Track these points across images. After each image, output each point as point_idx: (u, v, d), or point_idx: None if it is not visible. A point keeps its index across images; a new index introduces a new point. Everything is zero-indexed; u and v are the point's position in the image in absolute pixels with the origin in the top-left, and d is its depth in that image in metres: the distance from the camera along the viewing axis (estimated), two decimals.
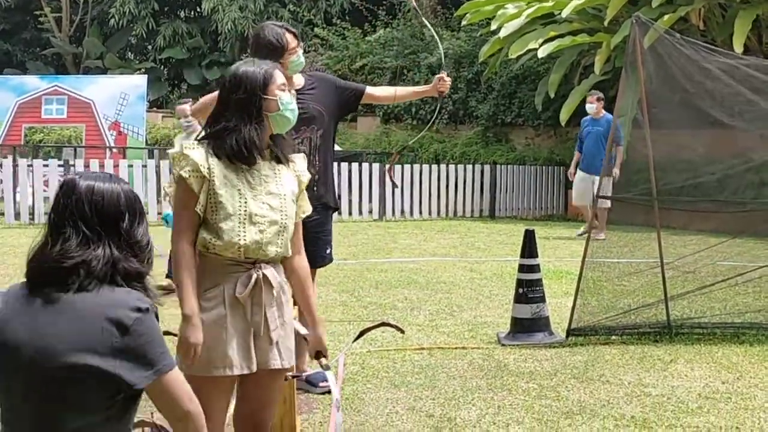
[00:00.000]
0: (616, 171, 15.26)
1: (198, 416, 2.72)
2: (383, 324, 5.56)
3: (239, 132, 4.02)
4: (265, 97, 4.05)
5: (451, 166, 21.73)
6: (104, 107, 23.63)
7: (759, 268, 9.87)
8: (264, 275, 4.03)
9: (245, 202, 4.01)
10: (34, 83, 24.35)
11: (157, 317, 2.75)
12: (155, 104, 32.02)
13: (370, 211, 20.30)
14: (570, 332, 8.59)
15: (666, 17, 16.93)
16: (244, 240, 3.99)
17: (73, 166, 18.47)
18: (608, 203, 15.04)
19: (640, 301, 9.18)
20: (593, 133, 16.90)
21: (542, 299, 8.63)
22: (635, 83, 9.52)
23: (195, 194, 3.99)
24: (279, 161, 4.19)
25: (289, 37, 6.21)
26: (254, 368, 4.06)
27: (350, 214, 20.03)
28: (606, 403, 6.74)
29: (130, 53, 37.50)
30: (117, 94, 23.78)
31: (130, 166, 18.93)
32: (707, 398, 6.88)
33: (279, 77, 4.12)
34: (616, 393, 6.99)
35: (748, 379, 7.39)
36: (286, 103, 4.11)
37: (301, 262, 4.35)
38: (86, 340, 2.60)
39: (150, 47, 35.87)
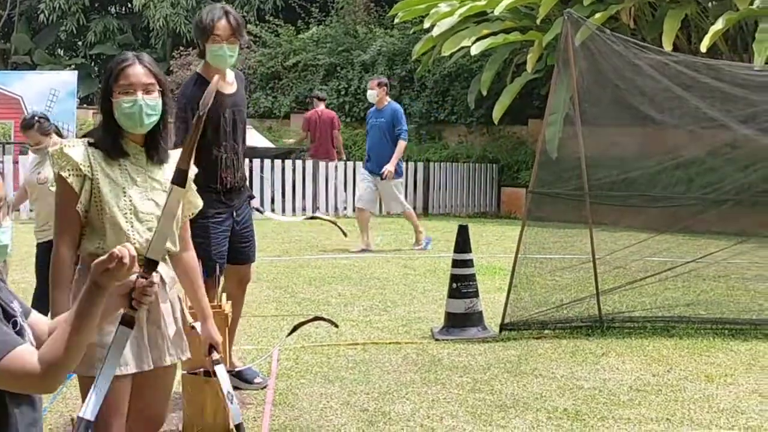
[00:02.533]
0: (389, 168, 14.10)
1: (44, 378, 2.57)
2: (317, 318, 5.55)
3: (101, 133, 4.01)
4: (111, 99, 3.95)
5: None
6: (33, 103, 23.18)
7: (687, 263, 10.01)
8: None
9: (130, 200, 3.95)
10: None
11: None
12: (85, 101, 31.59)
13: (304, 209, 20.22)
14: (503, 327, 8.64)
15: (597, 15, 17.11)
16: (135, 239, 3.92)
17: (1, 162, 18.17)
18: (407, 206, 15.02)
19: (573, 296, 9.26)
20: (376, 126, 14.61)
21: (476, 294, 8.67)
22: (567, 80, 9.59)
23: (76, 194, 3.92)
24: (155, 157, 4.08)
25: (221, 24, 6.08)
26: (146, 367, 3.99)
27: (283, 211, 19.92)
28: (539, 396, 6.78)
29: (59, 49, 36.96)
30: (47, 91, 23.39)
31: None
32: (638, 390, 6.95)
33: (124, 77, 3.93)
34: (549, 386, 7.03)
35: (678, 372, 7.49)
36: (123, 106, 3.92)
37: (190, 257, 4.32)
38: None
39: (80, 43, 35.41)
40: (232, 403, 4.12)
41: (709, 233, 10.99)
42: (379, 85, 14.43)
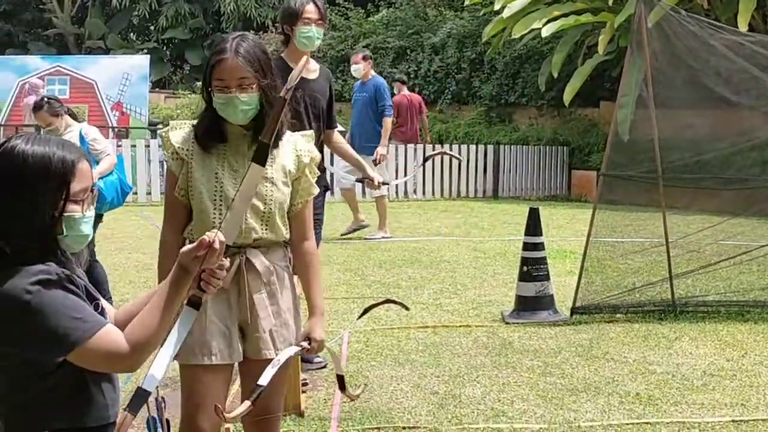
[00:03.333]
0: (380, 152, 13.05)
1: (131, 357, 2.60)
2: (388, 301, 5.50)
3: (202, 117, 3.95)
4: (209, 88, 3.86)
5: (455, 146, 21.63)
6: (107, 87, 23.54)
7: (763, 247, 9.84)
8: (248, 260, 3.89)
9: (221, 186, 3.85)
10: (35, 64, 24.24)
11: (67, 286, 2.56)
12: (158, 84, 31.95)
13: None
14: (574, 310, 8.59)
15: None
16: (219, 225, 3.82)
17: None
18: (384, 191, 13.83)
19: (645, 280, 9.17)
20: (359, 100, 14.04)
21: (546, 277, 8.62)
22: (640, 61, 9.47)
23: (175, 177, 3.91)
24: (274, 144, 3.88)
25: (310, 7, 6.21)
26: (236, 359, 3.92)
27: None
28: (611, 380, 6.74)
29: (132, 34, 37.38)
30: (119, 75, 23.67)
31: (133, 146, 18.91)
32: (712, 375, 6.87)
33: (218, 73, 3.82)
34: (621, 370, 6.98)
35: (753, 357, 7.38)
36: (217, 102, 3.84)
37: (306, 247, 4.12)
38: None
39: (152, 28, 35.77)
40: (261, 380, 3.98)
41: None
42: (364, 58, 13.89)
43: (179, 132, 3.95)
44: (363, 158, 7.68)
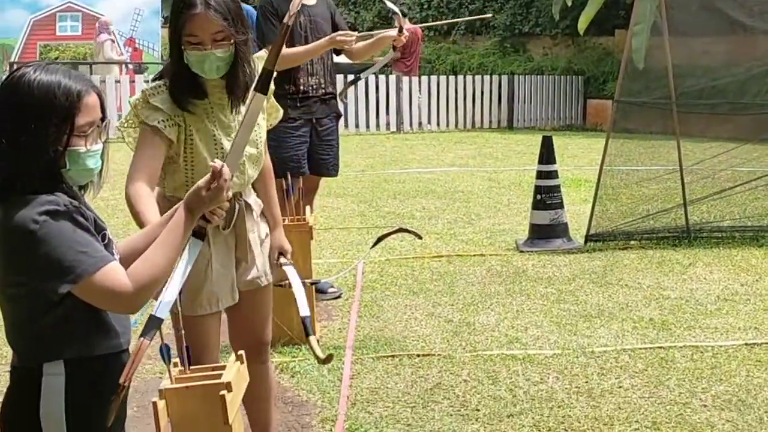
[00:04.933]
0: None
1: (135, 296, 2.60)
2: (401, 230, 5.53)
3: (175, 76, 3.72)
4: (183, 49, 3.64)
5: (469, 77, 21.51)
6: (118, 23, 23.44)
7: None
8: (246, 203, 3.93)
9: (221, 147, 3.75)
10: (46, 0, 24.17)
11: (75, 218, 2.53)
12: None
13: (388, 124, 20.18)
14: (588, 238, 8.59)
15: None
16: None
17: None
18: None
19: (659, 207, 9.15)
20: None
21: (560, 206, 8.62)
22: None
23: (168, 140, 3.70)
24: (235, 96, 3.77)
25: None
26: (236, 298, 3.95)
27: (368, 127, 19.91)
28: (624, 306, 6.76)
29: None
30: (131, 10, 23.57)
31: (146, 81, 18.88)
32: (726, 300, 6.88)
33: (191, 28, 3.59)
34: (635, 296, 7.00)
35: (767, 281, 7.39)
36: (191, 60, 3.63)
37: (265, 163, 4.10)
38: (3, 255, 2.54)
39: None
40: (302, 313, 4.08)
41: None
42: None
43: (160, 96, 3.71)
44: None
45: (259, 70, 3.57)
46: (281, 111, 4.23)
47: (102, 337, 2.67)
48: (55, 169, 2.55)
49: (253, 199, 4.00)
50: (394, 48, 6.53)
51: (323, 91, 6.70)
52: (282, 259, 4.21)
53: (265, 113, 4.06)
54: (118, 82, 18.75)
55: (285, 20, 2.96)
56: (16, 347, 2.67)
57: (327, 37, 6.30)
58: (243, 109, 3.79)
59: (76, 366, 2.59)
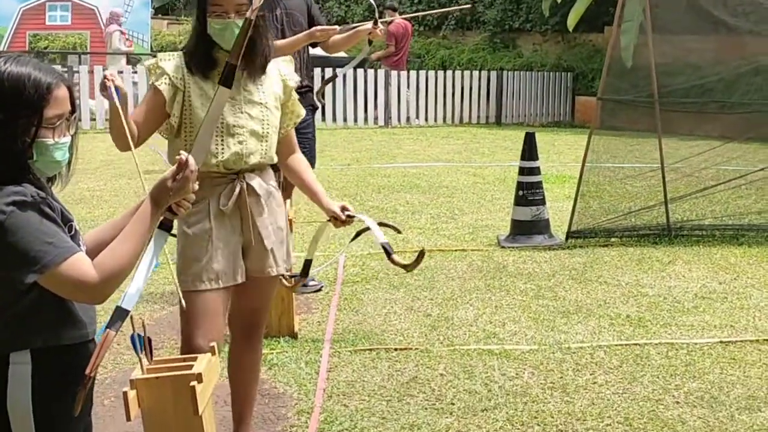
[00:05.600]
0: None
1: (100, 287, 2.63)
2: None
3: (194, 44, 4.00)
4: (207, 18, 3.93)
5: (458, 73, 21.54)
6: (109, 13, 23.44)
7: (760, 171, 9.85)
8: (249, 185, 4.00)
9: (222, 114, 3.91)
10: None
11: (42, 209, 2.55)
12: (160, 11, 31.63)
13: (376, 118, 20.20)
14: (570, 234, 8.64)
15: None
16: (223, 154, 3.93)
17: (77, 72, 18.43)
18: None
19: (641, 204, 9.20)
20: None
21: (542, 202, 8.66)
22: None
23: (164, 99, 3.94)
24: (256, 70, 4.03)
25: None
26: (240, 279, 4.05)
27: (355, 121, 19.93)
28: (603, 303, 6.80)
29: None
30: (121, 1, 23.57)
31: (135, 72, 18.86)
32: (703, 298, 6.93)
33: None
34: (613, 293, 7.05)
35: (745, 279, 7.45)
36: (215, 28, 3.92)
37: (298, 156, 4.33)
38: None
39: None
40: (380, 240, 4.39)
41: None
42: None
43: (170, 62, 3.99)
44: None
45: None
46: (302, 113, 4.33)
47: (69, 326, 2.68)
48: (22, 160, 2.57)
49: (258, 182, 4.04)
50: (370, 42, 6.51)
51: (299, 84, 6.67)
52: (350, 212, 4.36)
53: (278, 102, 4.14)
54: (121, 72, 18.73)
55: (248, 14, 3.01)
56: None
57: (306, 32, 6.28)
58: (252, 86, 4.01)
59: (43, 355, 2.61)
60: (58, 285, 2.55)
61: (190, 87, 3.95)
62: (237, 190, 3.96)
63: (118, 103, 3.54)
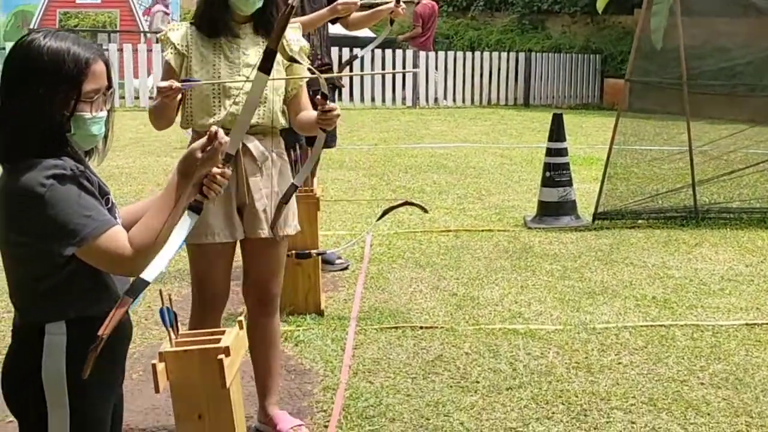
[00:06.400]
0: None
1: (134, 259, 2.66)
2: (407, 203, 5.57)
3: (207, 5, 4.15)
4: None
5: (486, 54, 21.48)
6: None
7: None
8: (245, 146, 4.11)
9: (219, 76, 4.12)
10: None
11: (81, 182, 2.61)
12: None
13: (404, 99, 20.18)
14: (596, 216, 8.63)
15: None
16: (219, 114, 4.10)
17: (107, 50, 18.51)
18: None
19: (669, 187, 9.18)
20: None
21: (569, 183, 8.65)
22: None
23: (175, 71, 4.14)
24: (263, 34, 4.19)
25: None
26: (238, 236, 4.21)
27: (383, 101, 19.92)
28: (628, 284, 6.81)
29: None
30: None
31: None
32: (730, 280, 6.92)
33: None
34: (639, 275, 7.05)
35: None
36: None
37: (306, 113, 4.30)
38: (8, 216, 2.61)
39: None
40: None
41: None
42: None
43: (177, 32, 4.20)
44: None
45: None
46: (307, 75, 4.37)
47: (104, 299, 2.73)
48: (61, 133, 2.62)
49: (255, 145, 4.18)
50: (392, 22, 6.48)
51: (319, 62, 6.65)
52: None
53: (282, 66, 4.23)
54: (135, 51, 18.80)
55: (291, 0, 3.02)
56: (20, 306, 2.74)
57: (328, 7, 6.27)
58: (251, 49, 4.17)
59: (77, 326, 2.66)
60: (96, 257, 2.60)
61: (192, 53, 4.15)
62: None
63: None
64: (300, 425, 4.44)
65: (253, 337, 4.38)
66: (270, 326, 4.44)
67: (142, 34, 22.14)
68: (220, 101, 4.12)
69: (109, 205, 2.72)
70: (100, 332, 2.55)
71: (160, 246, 2.66)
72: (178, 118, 4.22)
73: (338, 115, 4.06)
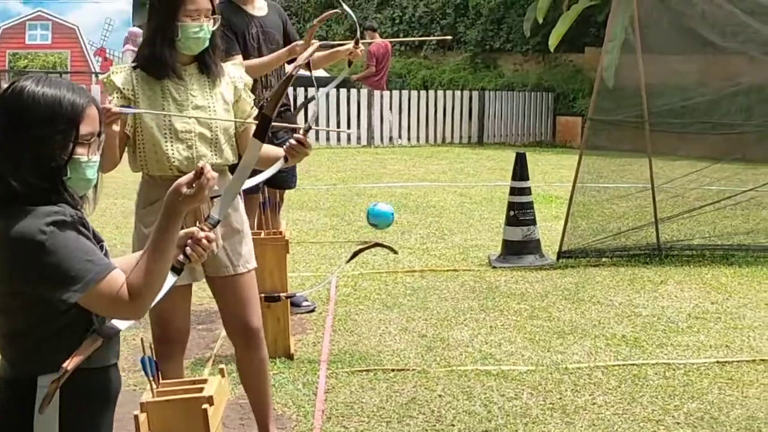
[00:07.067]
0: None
1: (135, 302, 2.62)
2: (377, 245, 5.52)
3: (152, 47, 4.16)
4: (176, 22, 4.10)
5: (440, 93, 21.56)
6: (89, 33, 23.42)
7: (747, 191, 9.89)
8: None
9: (169, 119, 4.13)
10: (17, 8, 24.01)
11: (79, 228, 2.58)
12: (142, 29, 31.67)
13: (359, 138, 20.17)
14: (561, 254, 8.63)
15: None
16: (175, 158, 4.12)
17: None
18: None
19: (630, 224, 9.22)
20: None
21: (533, 222, 8.66)
22: (626, 6, 9.46)
23: (123, 118, 4.11)
24: (208, 73, 4.24)
25: None
26: (199, 278, 4.28)
27: (338, 140, 19.90)
28: (597, 323, 6.80)
29: None
30: (102, 20, 23.55)
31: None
32: (697, 318, 6.94)
33: (192, 3, 4.11)
34: (607, 313, 7.05)
35: (737, 299, 7.46)
36: (190, 31, 4.12)
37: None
38: (5, 265, 2.55)
39: None
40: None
41: None
42: None
43: (120, 75, 4.20)
44: None
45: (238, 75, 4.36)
46: (254, 111, 4.43)
47: (97, 349, 2.67)
48: (59, 177, 2.57)
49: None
50: (350, 63, 6.43)
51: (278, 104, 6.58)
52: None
53: (229, 105, 4.32)
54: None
55: (289, 70, 3.03)
56: (10, 358, 2.67)
57: (286, 48, 6.23)
58: (198, 91, 4.22)
59: (69, 378, 2.59)
60: (98, 302, 2.55)
61: (140, 96, 4.15)
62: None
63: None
64: None
65: (242, 372, 4.54)
66: (257, 361, 4.51)
67: (93, 75, 22.03)
68: (173, 145, 4.14)
69: (104, 252, 2.67)
70: (65, 364, 2.49)
71: (155, 286, 2.61)
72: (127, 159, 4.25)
73: (307, 154, 4.06)
